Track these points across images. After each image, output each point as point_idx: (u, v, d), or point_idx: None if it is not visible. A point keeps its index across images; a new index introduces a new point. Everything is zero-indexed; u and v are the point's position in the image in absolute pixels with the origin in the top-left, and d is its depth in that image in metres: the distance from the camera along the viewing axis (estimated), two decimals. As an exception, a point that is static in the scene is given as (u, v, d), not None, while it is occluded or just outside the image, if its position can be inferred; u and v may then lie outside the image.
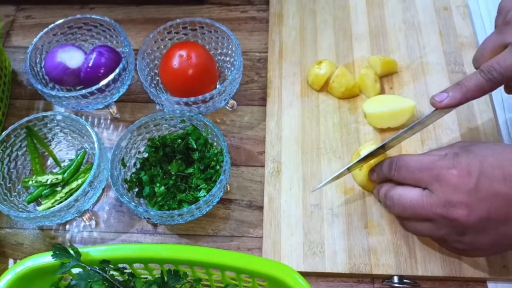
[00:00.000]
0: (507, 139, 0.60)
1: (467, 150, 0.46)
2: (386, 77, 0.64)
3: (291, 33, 0.68)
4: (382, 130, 0.60)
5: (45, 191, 0.56)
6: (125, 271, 0.45)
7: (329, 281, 0.53)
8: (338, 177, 0.54)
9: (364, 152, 0.55)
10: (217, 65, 0.64)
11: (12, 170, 0.57)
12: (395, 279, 0.51)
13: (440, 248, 0.52)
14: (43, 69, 0.62)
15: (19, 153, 0.58)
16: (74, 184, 0.57)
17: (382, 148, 0.53)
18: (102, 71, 0.60)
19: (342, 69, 0.62)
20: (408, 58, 0.65)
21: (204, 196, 0.53)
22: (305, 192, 0.56)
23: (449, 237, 0.46)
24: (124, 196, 0.52)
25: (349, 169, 0.54)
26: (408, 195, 0.47)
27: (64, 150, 0.61)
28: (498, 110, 0.61)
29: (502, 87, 0.52)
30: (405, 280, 0.51)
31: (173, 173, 0.56)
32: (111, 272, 0.43)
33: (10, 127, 0.56)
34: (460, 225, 0.44)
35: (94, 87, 0.57)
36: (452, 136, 0.59)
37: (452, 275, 0.51)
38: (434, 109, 0.50)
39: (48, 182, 0.57)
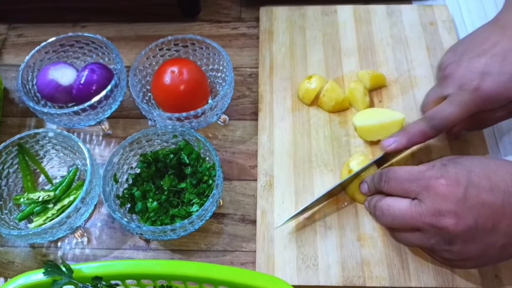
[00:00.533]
0: (494, 149, 0.61)
1: (455, 162, 0.47)
2: (375, 90, 0.65)
3: (281, 49, 0.69)
4: (372, 143, 0.60)
5: (36, 208, 0.56)
6: (118, 287, 0.45)
7: (323, 295, 0.53)
8: (327, 196, 0.55)
9: (353, 163, 0.56)
10: (209, 80, 0.65)
11: (3, 187, 0.57)
12: None
13: (433, 259, 0.52)
14: (35, 86, 0.63)
15: (11, 170, 0.58)
16: (66, 201, 0.57)
17: (376, 164, 0.54)
18: (94, 88, 0.61)
19: (332, 83, 0.63)
20: (396, 72, 0.66)
21: (197, 210, 0.53)
22: (297, 206, 0.57)
23: (438, 246, 0.47)
24: (117, 212, 0.52)
25: (341, 186, 0.55)
26: (397, 205, 0.48)
27: (56, 167, 0.61)
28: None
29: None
30: None
31: (165, 188, 0.56)
32: (104, 289, 0.43)
33: (1, 145, 0.56)
34: (448, 234, 0.45)
35: (86, 104, 0.57)
36: (441, 148, 0.60)
37: (445, 286, 0.51)
38: None
39: (40, 199, 0.56)
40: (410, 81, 0.65)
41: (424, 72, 0.66)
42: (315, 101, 0.64)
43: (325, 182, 0.58)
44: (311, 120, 0.63)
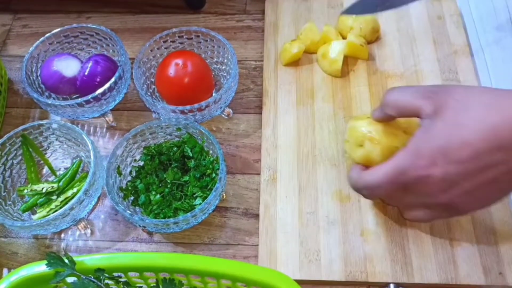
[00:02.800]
0: None
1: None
2: (381, 86, 0.64)
3: (286, 42, 0.69)
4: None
5: (40, 200, 0.56)
6: (120, 279, 0.45)
7: (325, 289, 0.53)
8: None
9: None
10: (213, 73, 0.64)
11: (7, 178, 0.57)
12: (392, 287, 0.51)
13: (436, 255, 0.52)
14: (39, 77, 0.63)
15: (15, 161, 0.58)
16: (69, 193, 0.57)
17: None
18: (98, 79, 0.60)
19: (310, 24, 0.66)
20: (403, 66, 0.66)
21: (200, 204, 0.53)
22: (300, 200, 0.56)
23: (437, 192, 0.44)
24: (120, 205, 0.52)
25: None
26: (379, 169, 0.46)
27: (59, 159, 0.61)
28: None
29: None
30: None
31: (168, 181, 0.56)
32: (106, 281, 0.43)
33: (5, 136, 0.56)
34: (437, 179, 0.43)
35: (90, 96, 0.57)
36: None
37: (448, 282, 0.51)
38: None
39: (44, 190, 0.56)
40: (417, 75, 0.65)
41: (431, 66, 0.65)
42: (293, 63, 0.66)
43: (329, 177, 0.58)
44: (316, 114, 0.63)
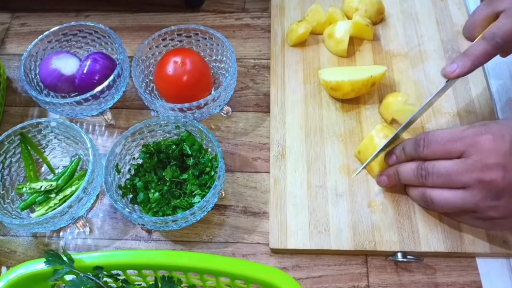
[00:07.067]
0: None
1: (496, 122, 0.48)
2: (386, 65, 0.65)
3: (293, 23, 0.69)
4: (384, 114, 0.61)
5: (39, 198, 0.56)
6: (119, 277, 0.45)
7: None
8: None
9: (375, 133, 0.56)
10: (212, 71, 0.64)
11: (5, 177, 0.57)
12: (399, 255, 0.52)
13: (442, 224, 0.53)
14: (38, 76, 0.62)
15: (13, 159, 0.58)
16: (68, 191, 0.57)
17: (397, 138, 0.55)
18: (96, 77, 0.60)
19: (316, 5, 0.67)
20: (407, 46, 0.67)
21: (199, 202, 0.53)
22: (309, 174, 0.58)
23: (484, 203, 0.46)
24: (118, 203, 0.52)
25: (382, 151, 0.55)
26: (442, 164, 0.48)
27: (58, 157, 0.61)
28: (494, 94, 0.63)
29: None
30: (408, 256, 0.52)
31: (167, 179, 0.56)
32: (105, 279, 0.43)
33: (4, 134, 0.56)
34: (495, 187, 0.45)
35: (88, 94, 0.57)
36: (451, 120, 0.60)
37: (454, 250, 0.52)
38: (443, 84, 0.53)
39: (42, 188, 0.56)
40: (420, 55, 0.66)
41: (434, 46, 0.67)
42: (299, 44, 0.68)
43: (336, 152, 0.59)
44: (323, 92, 0.64)
